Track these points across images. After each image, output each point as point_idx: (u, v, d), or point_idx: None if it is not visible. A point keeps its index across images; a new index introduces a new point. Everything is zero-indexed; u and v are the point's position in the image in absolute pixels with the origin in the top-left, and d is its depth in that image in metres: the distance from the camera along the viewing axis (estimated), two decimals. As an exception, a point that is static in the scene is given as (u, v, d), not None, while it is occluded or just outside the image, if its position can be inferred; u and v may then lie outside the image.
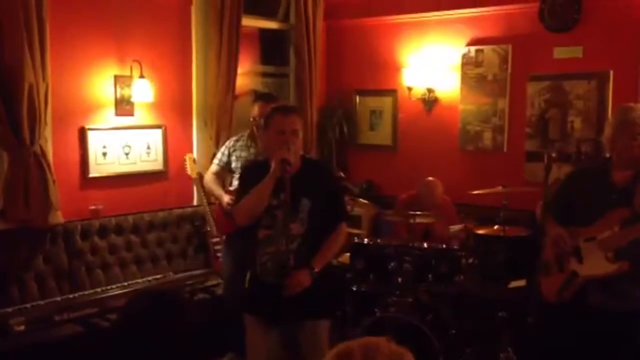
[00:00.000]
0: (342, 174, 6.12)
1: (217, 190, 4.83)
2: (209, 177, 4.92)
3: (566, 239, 3.28)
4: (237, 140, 4.87)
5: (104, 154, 5.00)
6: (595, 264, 3.19)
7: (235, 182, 4.80)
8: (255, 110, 4.69)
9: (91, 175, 4.93)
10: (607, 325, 3.18)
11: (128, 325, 1.69)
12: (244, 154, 4.77)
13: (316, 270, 3.20)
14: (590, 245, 3.23)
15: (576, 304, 3.25)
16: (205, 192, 5.16)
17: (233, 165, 4.82)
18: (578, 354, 3.27)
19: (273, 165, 3.14)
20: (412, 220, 4.68)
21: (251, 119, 4.76)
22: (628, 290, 3.16)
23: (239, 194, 3.42)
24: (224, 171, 4.93)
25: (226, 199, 4.68)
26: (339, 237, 3.37)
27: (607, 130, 3.35)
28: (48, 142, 4.53)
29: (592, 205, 3.26)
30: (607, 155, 3.40)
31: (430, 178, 5.32)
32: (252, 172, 3.33)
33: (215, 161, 4.93)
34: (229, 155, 4.84)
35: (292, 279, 3.13)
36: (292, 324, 3.28)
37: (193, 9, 5.49)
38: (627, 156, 3.23)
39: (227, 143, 4.95)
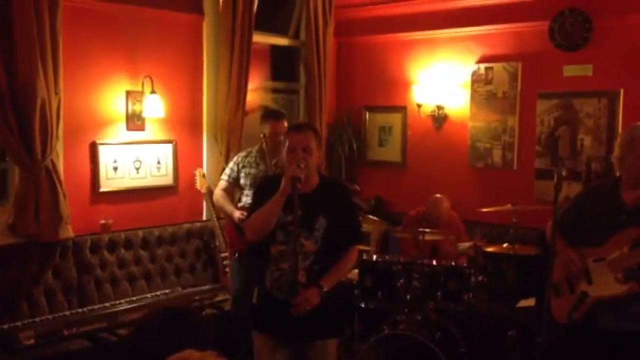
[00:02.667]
0: (357, 188, 6.12)
1: (228, 206, 4.82)
2: (218, 194, 4.90)
3: (576, 262, 3.26)
4: (245, 157, 4.87)
5: (115, 169, 5.03)
6: (605, 285, 3.16)
7: (244, 199, 4.81)
8: (268, 129, 4.71)
9: (102, 189, 4.96)
10: (618, 346, 3.15)
11: (141, 341, 1.70)
12: (253, 170, 4.78)
13: (325, 289, 3.18)
14: (599, 266, 3.21)
15: (587, 325, 3.22)
16: (215, 208, 5.17)
17: (242, 181, 4.82)
18: None
19: (283, 182, 3.14)
20: (420, 237, 4.67)
21: (261, 136, 4.78)
22: (638, 311, 3.13)
23: (251, 208, 3.42)
24: (233, 187, 4.92)
25: (237, 214, 4.68)
26: (349, 258, 3.34)
27: (616, 150, 3.34)
28: (59, 157, 4.56)
29: (602, 225, 3.24)
30: (617, 174, 3.39)
31: (437, 195, 5.32)
32: (265, 187, 3.32)
33: (224, 177, 4.93)
34: (238, 172, 4.84)
35: (301, 297, 3.11)
36: (301, 343, 3.26)
37: (204, 25, 5.55)
38: (635, 174, 3.23)
39: (235, 159, 4.96)
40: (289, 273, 3.15)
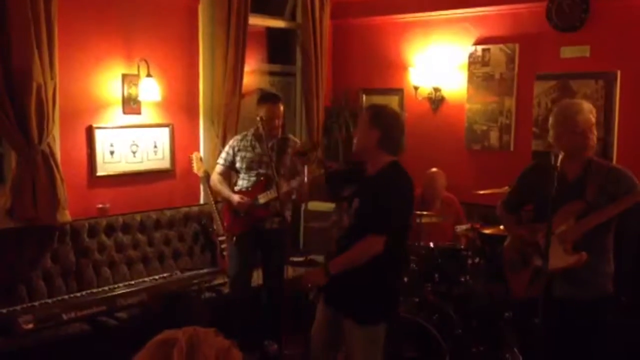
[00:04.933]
0: None
1: (226, 191, 4.82)
2: (215, 179, 4.91)
3: (526, 238, 3.38)
4: (241, 140, 4.87)
5: (112, 153, 5.02)
6: (556, 258, 3.24)
7: (240, 182, 4.82)
8: (264, 112, 4.68)
9: (99, 173, 4.95)
10: (575, 314, 3.29)
11: (142, 324, 1.70)
12: (248, 154, 4.78)
13: (332, 272, 3.25)
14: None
15: (545, 297, 3.29)
16: (213, 192, 5.17)
17: (237, 165, 4.83)
18: (557, 344, 3.36)
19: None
20: (418, 220, 4.68)
21: (258, 119, 4.76)
22: (589, 278, 3.29)
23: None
24: (230, 171, 4.93)
25: (236, 198, 4.69)
26: (361, 247, 3.25)
27: (551, 132, 3.41)
28: (56, 141, 4.55)
29: (547, 200, 3.29)
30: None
31: (434, 169, 5.35)
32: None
33: (220, 161, 4.93)
34: (234, 155, 4.84)
35: (306, 274, 3.24)
36: (339, 310, 3.40)
37: (200, 8, 5.51)
38: (572, 148, 3.29)
39: (230, 142, 4.96)
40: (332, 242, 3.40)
